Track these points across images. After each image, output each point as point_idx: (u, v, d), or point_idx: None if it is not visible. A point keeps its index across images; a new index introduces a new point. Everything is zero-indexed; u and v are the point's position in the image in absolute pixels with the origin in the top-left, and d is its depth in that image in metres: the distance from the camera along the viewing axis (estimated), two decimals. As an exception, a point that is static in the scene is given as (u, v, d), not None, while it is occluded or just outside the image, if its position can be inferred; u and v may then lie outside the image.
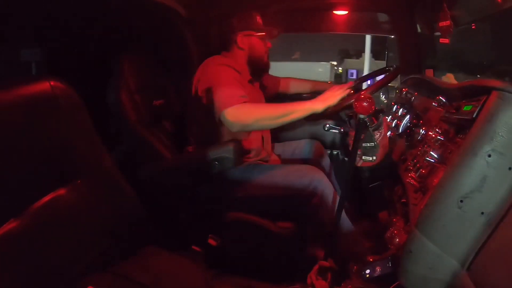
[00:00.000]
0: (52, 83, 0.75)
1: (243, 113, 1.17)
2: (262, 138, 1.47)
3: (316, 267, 1.09)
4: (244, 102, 1.18)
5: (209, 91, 1.25)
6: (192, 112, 1.42)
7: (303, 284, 1.09)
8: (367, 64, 11.26)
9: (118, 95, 1.30)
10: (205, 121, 1.32)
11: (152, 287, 0.80)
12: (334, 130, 1.77)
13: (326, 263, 1.07)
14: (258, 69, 1.51)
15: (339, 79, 11.04)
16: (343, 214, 1.22)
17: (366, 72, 11.65)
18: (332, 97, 1.19)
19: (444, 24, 1.44)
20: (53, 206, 0.73)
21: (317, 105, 1.17)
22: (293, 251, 1.29)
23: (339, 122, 1.94)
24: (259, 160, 1.44)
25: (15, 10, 1.21)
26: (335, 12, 1.99)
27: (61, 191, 0.76)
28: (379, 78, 1.67)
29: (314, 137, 1.78)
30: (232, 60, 1.40)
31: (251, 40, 1.45)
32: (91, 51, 1.57)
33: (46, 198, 0.72)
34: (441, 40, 1.51)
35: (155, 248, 0.94)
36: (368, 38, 10.50)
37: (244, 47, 1.45)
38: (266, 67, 1.56)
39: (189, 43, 1.75)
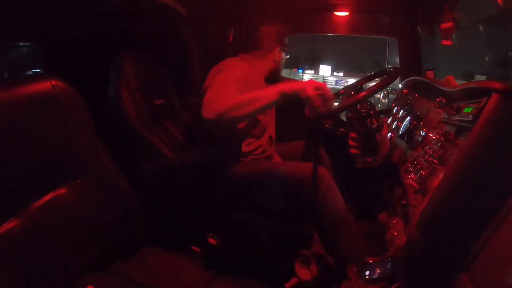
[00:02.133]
0: (53, 82, 0.75)
1: (216, 107, 1.09)
2: (270, 138, 1.47)
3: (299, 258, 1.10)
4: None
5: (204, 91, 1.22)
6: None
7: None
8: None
9: (119, 93, 1.30)
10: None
11: (152, 287, 0.80)
12: (334, 132, 1.77)
13: (307, 252, 1.07)
14: (271, 81, 1.51)
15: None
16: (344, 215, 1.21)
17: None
18: (305, 87, 1.01)
19: (446, 25, 1.44)
20: (53, 205, 0.73)
21: (285, 88, 1.05)
22: (294, 250, 1.29)
23: (339, 123, 1.94)
24: (263, 157, 1.44)
25: (16, 8, 1.21)
26: (336, 13, 1.99)
27: (61, 190, 0.76)
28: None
29: (313, 138, 1.78)
30: (251, 66, 1.40)
31: (281, 56, 1.48)
32: (92, 50, 1.57)
33: (47, 197, 0.73)
34: (443, 42, 1.51)
35: (154, 248, 0.94)
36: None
37: (277, 61, 1.47)
38: (279, 80, 1.56)
39: (189, 43, 1.75)
